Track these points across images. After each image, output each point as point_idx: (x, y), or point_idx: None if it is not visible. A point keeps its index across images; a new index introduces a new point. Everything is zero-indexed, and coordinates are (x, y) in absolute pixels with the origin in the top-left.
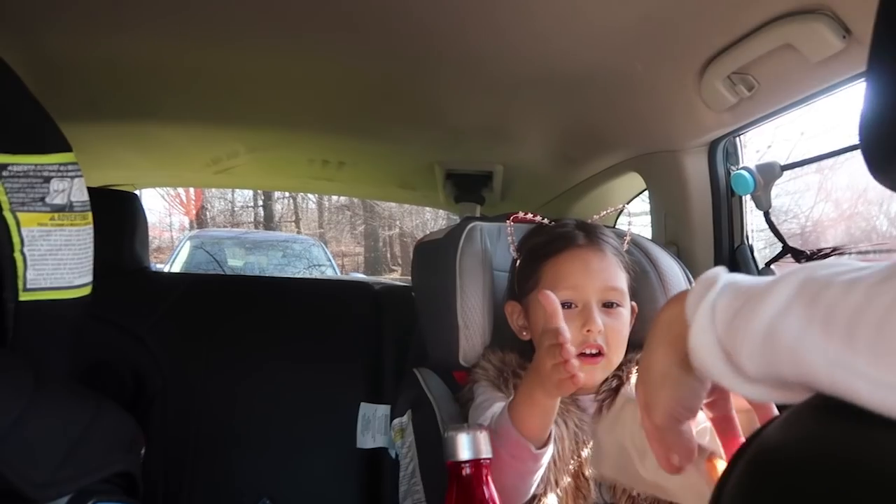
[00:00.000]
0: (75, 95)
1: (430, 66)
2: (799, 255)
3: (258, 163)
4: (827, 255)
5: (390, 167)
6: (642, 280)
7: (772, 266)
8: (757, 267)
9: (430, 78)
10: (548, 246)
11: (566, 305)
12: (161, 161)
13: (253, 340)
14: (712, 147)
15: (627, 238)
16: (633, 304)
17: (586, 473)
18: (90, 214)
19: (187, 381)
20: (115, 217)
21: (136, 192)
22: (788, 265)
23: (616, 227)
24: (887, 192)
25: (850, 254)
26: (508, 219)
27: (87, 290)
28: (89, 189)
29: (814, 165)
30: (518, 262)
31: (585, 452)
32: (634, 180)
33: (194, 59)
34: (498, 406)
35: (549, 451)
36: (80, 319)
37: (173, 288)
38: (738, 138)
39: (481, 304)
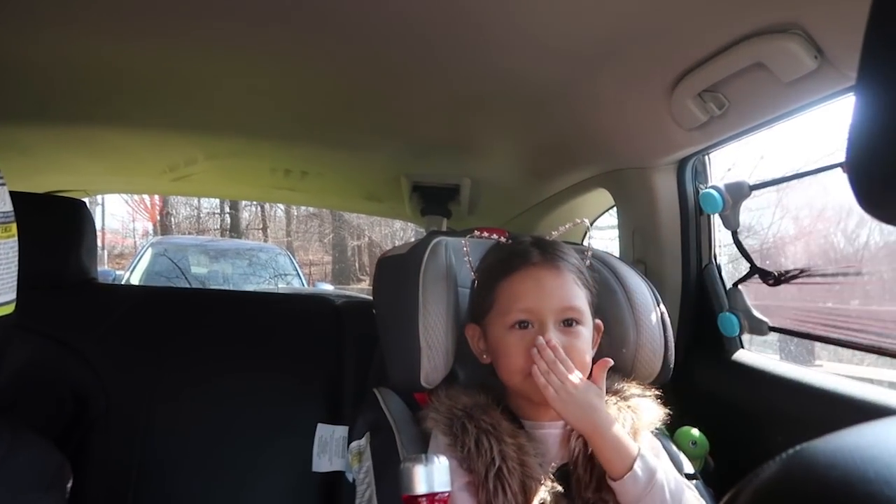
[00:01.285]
0: (22, 96)
1: (394, 76)
2: (766, 276)
3: (218, 171)
4: (794, 277)
5: (355, 178)
6: (610, 299)
7: (739, 286)
8: (724, 287)
9: (394, 88)
10: (502, 265)
11: (522, 325)
12: (115, 167)
13: (205, 357)
14: (681, 165)
15: (588, 253)
16: (598, 321)
17: None
18: (14, 226)
19: (133, 402)
20: (59, 225)
21: (98, 197)
22: (756, 285)
23: (581, 243)
24: (844, 210)
25: (815, 276)
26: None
27: (9, 309)
28: (32, 195)
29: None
30: (475, 283)
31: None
32: (603, 196)
33: (150, 61)
34: (456, 486)
35: None
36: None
37: (121, 302)
38: (707, 156)
39: (444, 323)
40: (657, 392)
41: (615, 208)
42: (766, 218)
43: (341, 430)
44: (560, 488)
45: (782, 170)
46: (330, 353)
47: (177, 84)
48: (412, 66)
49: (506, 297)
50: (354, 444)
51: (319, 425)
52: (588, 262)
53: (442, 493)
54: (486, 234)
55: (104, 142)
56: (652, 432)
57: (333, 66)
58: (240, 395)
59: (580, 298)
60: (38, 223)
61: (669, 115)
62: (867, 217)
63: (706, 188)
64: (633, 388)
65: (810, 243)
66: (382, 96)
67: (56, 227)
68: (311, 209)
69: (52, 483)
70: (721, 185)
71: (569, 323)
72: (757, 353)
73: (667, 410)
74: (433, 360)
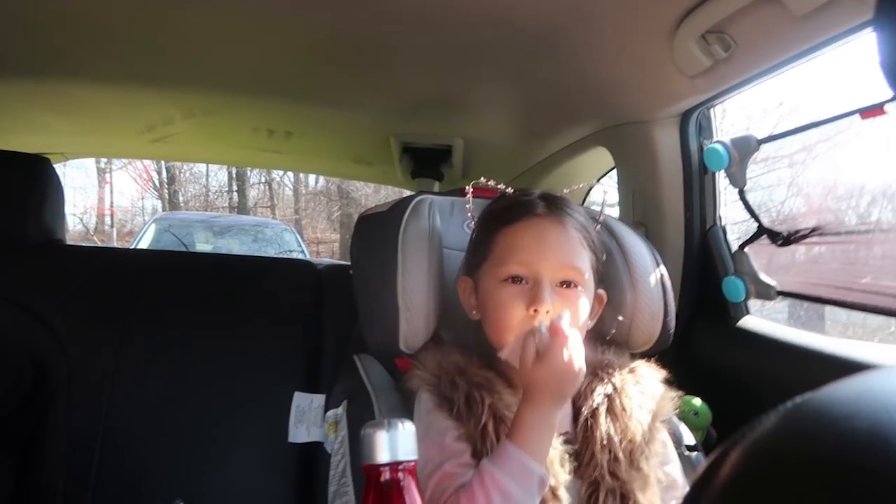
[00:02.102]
0: None
1: (380, 24)
2: (775, 237)
3: (197, 131)
4: (804, 237)
5: (343, 139)
6: (606, 261)
7: (745, 249)
8: (730, 250)
9: (380, 38)
10: (503, 213)
11: (516, 280)
12: (89, 127)
13: (175, 322)
14: (684, 118)
15: (601, 217)
16: (602, 292)
17: (559, 493)
18: None
19: (96, 369)
20: (19, 182)
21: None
22: (763, 247)
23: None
24: (856, 188)
25: (826, 235)
26: (465, 192)
27: None
28: None
29: (786, 160)
30: (473, 232)
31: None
32: (602, 156)
33: (119, 8)
34: (450, 437)
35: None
36: None
37: (86, 264)
38: (711, 110)
39: (426, 283)
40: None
41: (615, 170)
42: (777, 195)
43: (319, 399)
44: (563, 450)
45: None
46: (309, 318)
47: (149, 34)
48: (398, 14)
49: (502, 248)
50: (331, 412)
51: (296, 394)
52: (598, 227)
53: (407, 461)
54: (491, 183)
55: (75, 99)
56: None
57: (314, 14)
58: (212, 361)
59: (583, 260)
60: None
61: (671, 60)
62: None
63: (711, 143)
64: (643, 368)
65: (821, 221)
66: (367, 47)
67: (16, 185)
68: (318, 186)
69: None
70: (727, 139)
71: (567, 284)
72: (764, 320)
73: (674, 394)
74: (412, 323)
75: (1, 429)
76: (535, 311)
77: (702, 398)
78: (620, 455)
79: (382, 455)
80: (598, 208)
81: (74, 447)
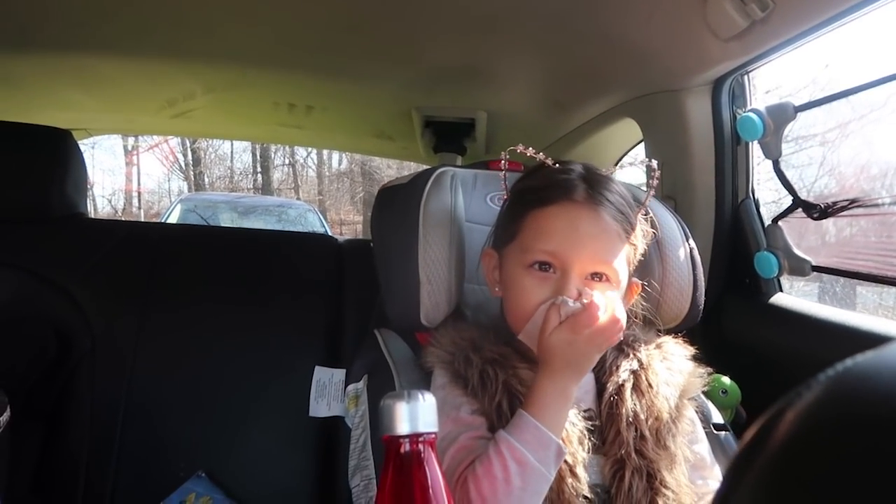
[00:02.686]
0: (3, 20)
1: None
2: (811, 210)
3: (218, 106)
4: (842, 209)
5: (364, 113)
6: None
7: (779, 222)
8: (762, 223)
9: (399, 8)
10: (539, 192)
11: (543, 267)
12: (111, 102)
13: (198, 295)
14: (717, 86)
15: (648, 197)
16: (637, 281)
17: (577, 471)
18: None
19: (120, 341)
20: (42, 156)
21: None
22: (798, 221)
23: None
24: (890, 168)
25: (866, 205)
26: (492, 164)
27: None
28: (12, 124)
29: (818, 138)
30: (505, 203)
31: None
32: (629, 129)
33: None
34: (465, 411)
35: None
36: None
37: (108, 237)
38: (746, 76)
39: (447, 257)
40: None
41: (643, 143)
42: (808, 174)
43: (340, 374)
44: (583, 427)
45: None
46: (331, 293)
47: (170, 7)
48: None
49: (532, 231)
50: (351, 387)
51: (317, 368)
52: (643, 210)
53: (427, 433)
54: (530, 151)
55: (97, 73)
56: None
57: None
58: (234, 334)
59: (617, 253)
60: (19, 153)
61: (704, 22)
62: None
63: (745, 112)
64: (670, 344)
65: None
66: (387, 18)
67: (38, 158)
68: (342, 167)
69: None
70: (761, 107)
71: (598, 277)
72: (797, 297)
73: (702, 371)
74: (434, 296)
75: (26, 399)
76: None
77: (731, 377)
78: (647, 433)
79: (402, 426)
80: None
81: (98, 417)
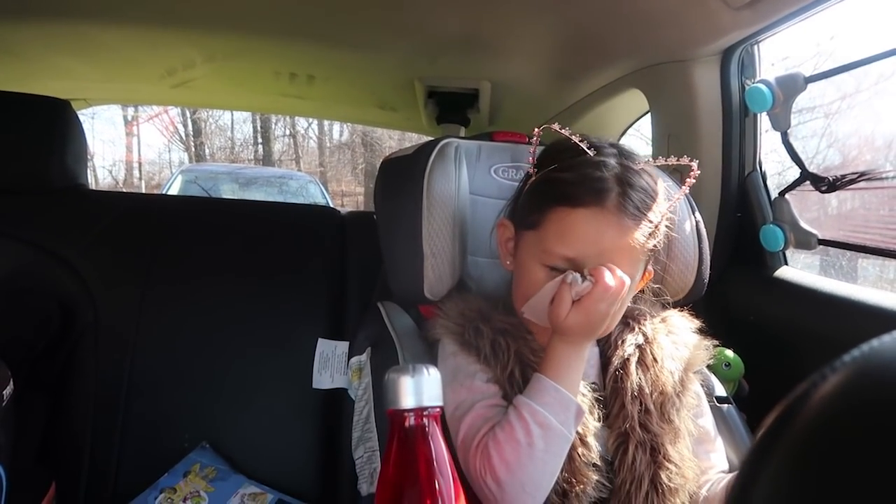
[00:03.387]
0: None
1: None
2: (819, 182)
3: (218, 75)
4: (850, 182)
5: (366, 83)
6: None
7: (786, 195)
8: (769, 196)
9: None
10: (569, 188)
11: (556, 268)
12: (110, 71)
13: (200, 267)
14: (726, 56)
15: (678, 197)
16: (650, 270)
17: (587, 440)
18: None
19: (123, 313)
20: (41, 126)
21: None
22: (806, 193)
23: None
24: (893, 139)
25: (874, 179)
26: (494, 136)
27: None
28: (9, 93)
29: (821, 110)
30: (531, 179)
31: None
32: (636, 100)
33: None
34: (480, 379)
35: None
36: None
37: (110, 208)
38: (755, 46)
39: (451, 229)
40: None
41: (649, 115)
42: (810, 147)
43: (343, 346)
44: (590, 398)
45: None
46: (333, 265)
47: None
48: None
49: (555, 231)
50: (355, 359)
51: (320, 340)
52: (671, 208)
53: (432, 407)
54: (556, 127)
55: (96, 42)
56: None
57: None
58: (236, 306)
59: (635, 260)
60: (19, 123)
61: None
62: None
63: (754, 83)
64: (676, 317)
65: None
66: None
67: (37, 128)
68: (343, 139)
69: None
70: (771, 78)
71: None
72: (803, 271)
73: (707, 344)
74: (437, 269)
75: (31, 371)
76: None
77: (734, 350)
78: (651, 407)
79: (407, 400)
80: None
81: (102, 389)
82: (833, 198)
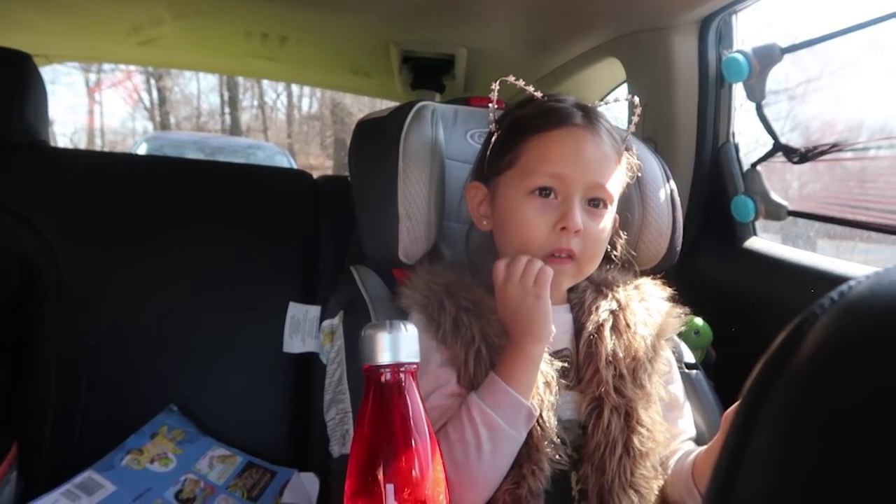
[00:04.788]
0: None
1: None
2: (791, 154)
3: (187, 34)
4: (822, 153)
5: (340, 47)
6: None
7: (758, 167)
8: (741, 168)
9: None
10: (537, 119)
11: (544, 193)
12: (73, 27)
13: (167, 227)
14: (704, 25)
15: (627, 135)
16: (617, 217)
17: (543, 415)
18: None
19: (86, 273)
20: (2, 79)
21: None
22: (777, 165)
23: None
24: (855, 124)
25: (846, 149)
26: (470, 101)
27: None
28: None
29: (784, 93)
30: (494, 136)
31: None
32: (612, 69)
33: None
34: (434, 363)
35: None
36: None
37: (73, 166)
38: (734, 16)
39: (427, 191)
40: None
41: (626, 84)
42: (775, 128)
43: (314, 311)
44: (553, 372)
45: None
46: (306, 229)
47: None
48: None
49: (534, 156)
50: (327, 322)
51: (291, 304)
52: (625, 143)
53: (409, 363)
54: (520, 83)
55: None
56: None
57: None
58: (205, 269)
59: (614, 179)
60: None
61: None
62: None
63: (731, 53)
64: (648, 284)
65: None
66: None
67: None
68: (312, 111)
69: None
70: (748, 49)
71: (595, 203)
72: (771, 241)
73: (679, 312)
74: (413, 231)
75: None
76: (563, 228)
77: (703, 318)
78: (625, 372)
79: (383, 356)
80: None
81: (65, 350)
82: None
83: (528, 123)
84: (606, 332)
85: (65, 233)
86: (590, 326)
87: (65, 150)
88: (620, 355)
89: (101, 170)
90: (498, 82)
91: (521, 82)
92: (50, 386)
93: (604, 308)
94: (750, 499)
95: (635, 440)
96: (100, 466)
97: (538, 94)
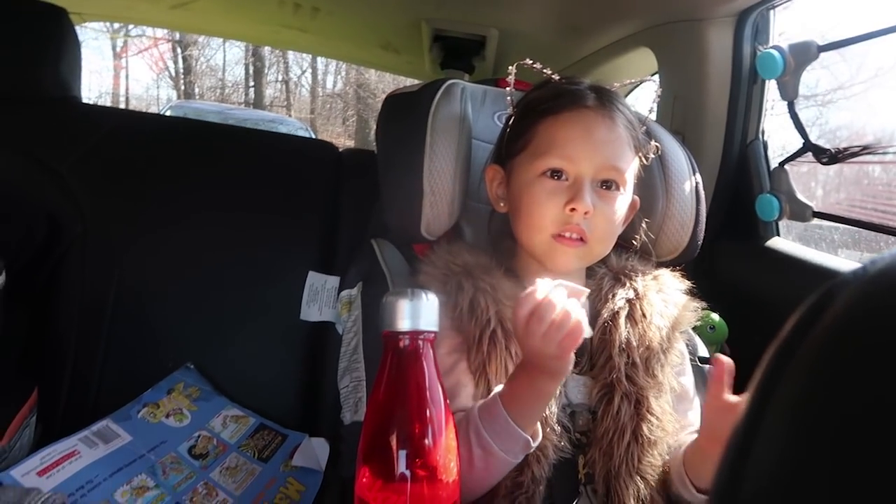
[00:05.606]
0: None
1: None
2: (820, 154)
3: (220, 0)
4: (853, 154)
5: (371, 21)
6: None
7: (786, 166)
8: (769, 166)
9: None
10: (549, 102)
11: (554, 175)
12: None
13: (191, 189)
14: (741, 18)
15: (647, 118)
16: (636, 198)
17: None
18: None
19: (110, 229)
20: (36, 32)
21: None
22: (806, 164)
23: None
24: (886, 135)
25: (877, 152)
26: (499, 83)
27: None
28: None
29: (814, 99)
30: (511, 119)
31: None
32: (645, 59)
33: None
34: (444, 348)
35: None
36: None
37: (103, 122)
38: (772, 11)
39: (452, 168)
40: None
41: (657, 75)
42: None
43: (333, 281)
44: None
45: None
46: (328, 198)
47: None
48: None
49: (545, 138)
50: (345, 292)
51: (311, 273)
52: (643, 129)
53: (427, 332)
54: (538, 65)
55: None
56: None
57: None
58: (228, 232)
59: (628, 161)
60: (13, 26)
61: None
62: None
63: (766, 48)
64: (667, 276)
65: (844, 168)
66: None
67: (32, 34)
68: (336, 88)
69: None
70: (784, 44)
71: (608, 185)
72: (794, 242)
73: (696, 305)
74: (436, 207)
75: (15, 281)
76: (573, 209)
77: (719, 314)
78: (637, 360)
79: (403, 323)
80: None
81: (87, 305)
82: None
83: (540, 106)
84: (622, 320)
85: (92, 188)
86: (605, 314)
87: (95, 107)
88: (634, 344)
89: (129, 128)
90: (515, 66)
91: (538, 65)
92: (70, 337)
93: (620, 296)
94: (759, 484)
95: (644, 428)
96: (117, 416)
97: (555, 77)
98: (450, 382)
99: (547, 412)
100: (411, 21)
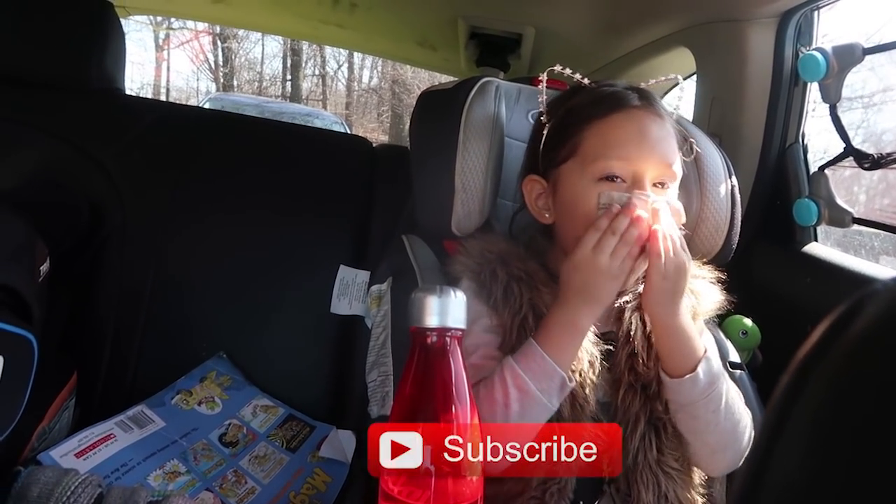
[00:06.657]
0: None
1: None
2: (862, 159)
3: None
4: None
5: (409, 17)
6: None
7: (826, 170)
8: (808, 171)
9: None
10: (593, 106)
11: (611, 179)
12: None
13: (229, 181)
14: (784, 19)
15: (674, 115)
16: (680, 204)
17: (586, 391)
18: None
19: (150, 218)
20: (82, 24)
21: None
22: (850, 168)
23: None
24: None
25: None
26: (537, 81)
27: None
28: None
29: (859, 101)
30: (547, 126)
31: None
32: (683, 59)
33: None
34: (480, 327)
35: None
36: None
37: (146, 114)
38: (815, 12)
39: (484, 167)
40: (718, 275)
41: (695, 76)
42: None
43: (363, 275)
44: (598, 353)
45: None
46: (360, 193)
47: None
48: None
49: (597, 143)
50: (375, 287)
51: (342, 267)
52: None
53: (455, 329)
54: (568, 71)
55: None
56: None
57: None
58: (262, 225)
59: (678, 159)
60: (62, 16)
61: None
62: None
63: (808, 50)
64: (695, 268)
65: (889, 173)
66: None
67: (78, 26)
68: (371, 83)
69: (16, 256)
70: (827, 47)
71: (662, 184)
72: (832, 248)
73: (719, 297)
74: (467, 204)
75: (58, 264)
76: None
77: (753, 320)
78: (639, 350)
79: (431, 319)
80: None
81: (125, 293)
82: None
83: (584, 111)
84: (627, 314)
85: (133, 179)
86: (627, 313)
87: (138, 99)
88: (638, 335)
89: (171, 120)
90: (546, 72)
91: (567, 71)
92: (109, 324)
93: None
94: (783, 483)
95: (655, 416)
96: (151, 402)
97: (586, 81)
98: (488, 359)
99: (584, 403)
100: (448, 18)
